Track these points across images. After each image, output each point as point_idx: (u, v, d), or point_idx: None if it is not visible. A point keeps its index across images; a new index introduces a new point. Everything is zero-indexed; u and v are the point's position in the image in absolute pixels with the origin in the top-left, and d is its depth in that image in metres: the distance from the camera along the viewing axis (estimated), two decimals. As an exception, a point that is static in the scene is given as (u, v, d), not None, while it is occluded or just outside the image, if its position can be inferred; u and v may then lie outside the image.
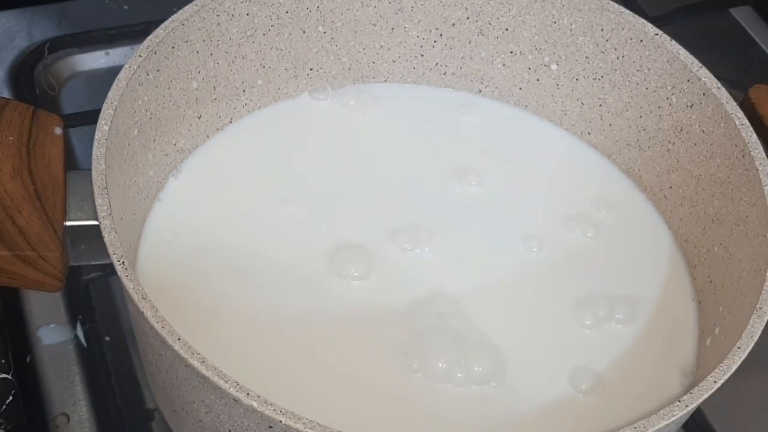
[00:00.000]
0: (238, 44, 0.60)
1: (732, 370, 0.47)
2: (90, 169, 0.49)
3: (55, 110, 0.71)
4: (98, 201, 0.48)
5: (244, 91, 0.62)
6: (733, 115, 0.56)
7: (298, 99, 0.65)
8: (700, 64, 0.59)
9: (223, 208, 0.59)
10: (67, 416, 0.58)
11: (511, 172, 0.63)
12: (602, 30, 0.61)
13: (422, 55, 0.66)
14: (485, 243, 0.59)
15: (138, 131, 0.55)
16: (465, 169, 0.62)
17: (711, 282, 0.57)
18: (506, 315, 0.56)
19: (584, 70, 0.63)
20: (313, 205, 0.59)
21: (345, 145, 0.63)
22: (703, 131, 0.58)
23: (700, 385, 0.47)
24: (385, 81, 0.66)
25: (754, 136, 0.56)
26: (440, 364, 0.52)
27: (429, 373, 0.52)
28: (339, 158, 0.62)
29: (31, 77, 0.74)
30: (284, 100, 0.64)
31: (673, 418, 0.45)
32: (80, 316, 0.62)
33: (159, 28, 0.56)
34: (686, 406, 0.46)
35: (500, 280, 0.57)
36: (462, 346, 0.53)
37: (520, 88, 0.66)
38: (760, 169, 0.54)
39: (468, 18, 0.64)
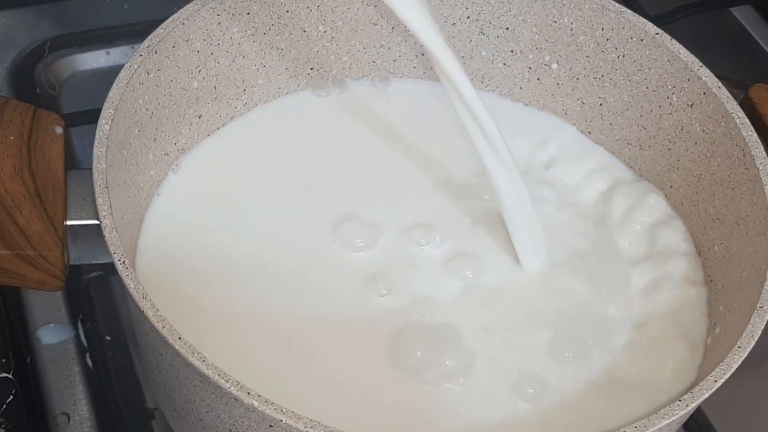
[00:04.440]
0: (239, 43, 0.60)
1: (732, 370, 0.47)
2: (90, 169, 0.49)
3: (56, 109, 0.71)
4: (99, 200, 0.48)
5: (245, 90, 0.62)
6: (733, 115, 0.56)
7: (300, 95, 0.64)
8: (701, 64, 0.59)
9: (222, 204, 0.58)
10: (68, 415, 0.58)
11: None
12: (603, 29, 0.61)
13: (423, 54, 0.66)
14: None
15: (139, 130, 0.55)
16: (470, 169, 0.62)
17: (711, 281, 0.57)
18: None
19: (585, 69, 0.63)
20: (317, 202, 0.59)
21: (347, 141, 0.63)
22: (704, 130, 0.58)
23: (700, 384, 0.47)
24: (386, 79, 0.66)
25: (755, 135, 0.56)
26: (418, 354, 0.53)
27: (415, 373, 0.53)
28: (342, 154, 0.62)
29: (31, 76, 0.74)
30: (285, 96, 0.64)
31: (674, 418, 0.45)
32: (80, 316, 0.62)
33: (160, 27, 0.56)
34: (686, 406, 0.46)
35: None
36: (442, 346, 0.53)
37: (520, 87, 0.66)
38: (760, 168, 0.54)
39: (468, 17, 0.64)
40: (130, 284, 0.45)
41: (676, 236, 0.59)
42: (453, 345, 0.54)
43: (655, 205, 0.61)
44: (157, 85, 0.56)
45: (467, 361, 0.53)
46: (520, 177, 0.55)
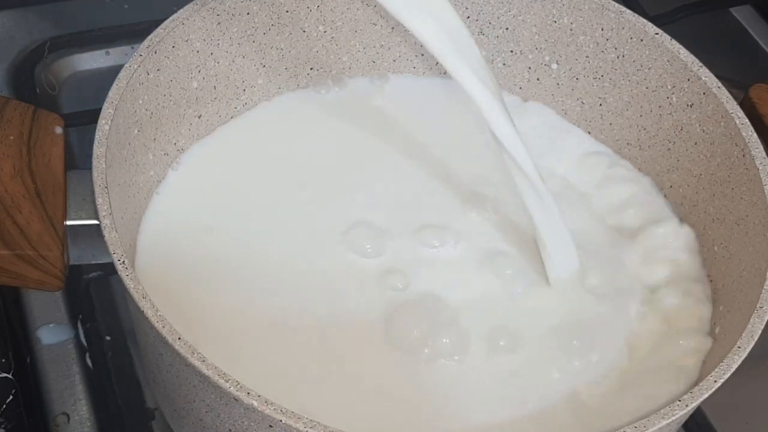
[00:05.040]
0: (239, 43, 0.60)
1: (732, 370, 0.47)
2: (90, 169, 0.49)
3: (56, 109, 0.71)
4: (99, 200, 0.48)
5: (245, 90, 0.62)
6: (733, 115, 0.56)
7: (300, 92, 0.64)
8: (701, 64, 0.59)
9: (223, 204, 0.58)
10: (68, 415, 0.58)
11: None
12: (602, 29, 0.61)
13: (422, 54, 0.66)
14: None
15: (138, 131, 0.55)
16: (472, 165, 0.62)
17: (711, 281, 0.57)
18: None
19: (584, 69, 0.63)
20: (318, 201, 0.59)
21: (348, 139, 0.62)
22: (704, 130, 0.58)
23: (700, 384, 0.47)
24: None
25: (755, 135, 0.56)
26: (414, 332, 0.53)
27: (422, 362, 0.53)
28: (342, 152, 0.62)
29: (31, 76, 0.74)
30: (286, 94, 0.64)
31: (674, 418, 0.45)
32: (80, 316, 0.62)
33: (159, 27, 0.56)
34: (686, 406, 0.46)
35: None
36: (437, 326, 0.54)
37: (520, 88, 0.66)
38: (760, 168, 0.54)
39: (468, 17, 0.64)
40: (129, 284, 0.45)
41: (676, 234, 0.59)
42: (452, 328, 0.54)
43: (657, 204, 0.61)
44: (157, 85, 0.56)
45: (464, 341, 0.53)
46: (547, 191, 0.54)
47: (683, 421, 0.53)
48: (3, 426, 0.57)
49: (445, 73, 0.66)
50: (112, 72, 0.53)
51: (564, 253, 0.56)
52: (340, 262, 0.56)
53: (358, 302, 0.55)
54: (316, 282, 0.56)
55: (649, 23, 0.60)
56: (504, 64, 0.65)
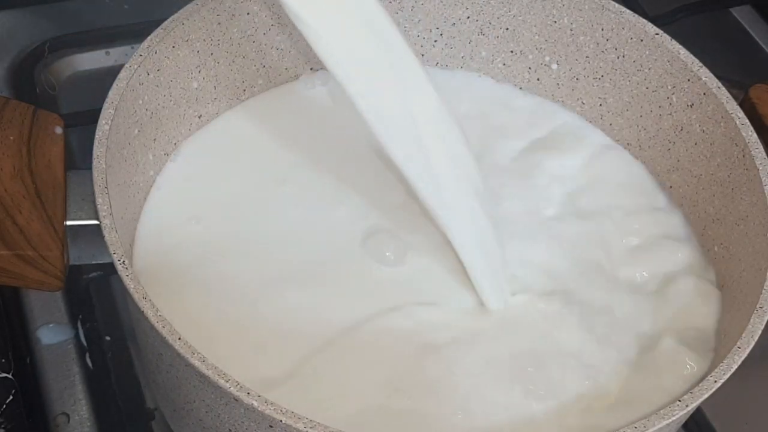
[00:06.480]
0: (239, 44, 0.60)
1: (732, 370, 0.47)
2: (90, 169, 0.49)
3: (55, 110, 0.71)
4: (99, 200, 0.48)
5: (245, 90, 0.62)
6: (733, 115, 0.56)
7: (295, 84, 0.64)
8: (701, 64, 0.59)
9: (222, 201, 0.58)
10: (68, 416, 0.58)
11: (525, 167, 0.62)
12: (602, 29, 0.61)
13: (423, 55, 0.66)
14: None
15: (138, 131, 0.55)
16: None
17: (711, 281, 0.57)
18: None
19: (584, 69, 0.63)
20: (321, 195, 0.59)
21: (348, 133, 0.62)
22: (704, 131, 0.58)
23: (700, 384, 0.47)
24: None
25: (755, 135, 0.56)
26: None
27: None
28: (345, 143, 0.61)
29: (31, 76, 0.74)
30: (281, 85, 0.64)
31: (673, 418, 0.45)
32: (80, 316, 0.62)
33: (159, 27, 0.56)
34: (686, 406, 0.46)
35: None
36: None
37: (520, 88, 0.66)
38: (760, 168, 0.54)
39: (468, 17, 0.64)
40: (129, 284, 0.45)
41: (677, 233, 0.59)
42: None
43: (658, 203, 0.61)
44: (157, 85, 0.56)
45: None
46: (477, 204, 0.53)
47: (683, 421, 0.53)
48: (3, 426, 0.57)
49: (438, 64, 0.65)
50: (112, 72, 0.53)
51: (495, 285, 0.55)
52: (353, 261, 0.56)
53: (368, 301, 0.55)
54: (325, 281, 0.55)
55: (649, 23, 0.60)
56: (504, 64, 0.65)
